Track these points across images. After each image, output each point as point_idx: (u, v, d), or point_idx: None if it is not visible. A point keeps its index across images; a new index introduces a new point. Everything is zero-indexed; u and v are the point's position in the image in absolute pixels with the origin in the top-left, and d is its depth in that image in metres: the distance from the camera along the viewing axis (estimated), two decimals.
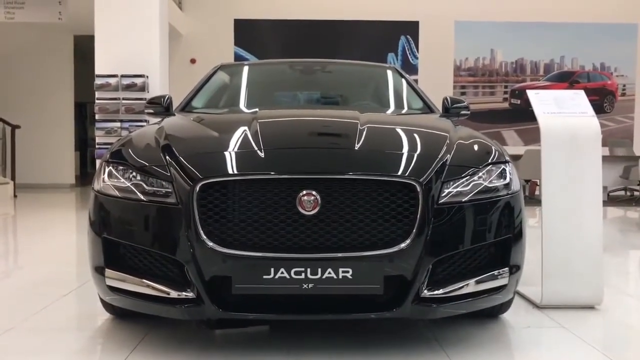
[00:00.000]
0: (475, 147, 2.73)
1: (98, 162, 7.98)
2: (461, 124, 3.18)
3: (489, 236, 2.48)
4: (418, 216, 2.29)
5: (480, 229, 2.46)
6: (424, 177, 2.34)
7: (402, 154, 2.48)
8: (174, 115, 3.51)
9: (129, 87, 7.94)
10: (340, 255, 2.26)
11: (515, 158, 9.42)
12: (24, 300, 3.42)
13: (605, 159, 11.51)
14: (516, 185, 2.65)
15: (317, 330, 2.77)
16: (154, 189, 2.41)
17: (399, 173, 2.34)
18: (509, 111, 12.85)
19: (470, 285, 2.43)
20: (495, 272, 2.50)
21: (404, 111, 3.81)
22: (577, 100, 3.36)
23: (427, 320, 2.86)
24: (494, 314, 2.98)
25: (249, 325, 2.78)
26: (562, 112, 3.30)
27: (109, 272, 2.49)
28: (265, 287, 2.26)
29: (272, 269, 2.25)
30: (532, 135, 12.42)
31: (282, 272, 2.25)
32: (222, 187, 2.29)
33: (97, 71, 7.99)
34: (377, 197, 2.29)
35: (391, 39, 12.68)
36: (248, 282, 2.27)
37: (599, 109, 12.37)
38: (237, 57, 12.50)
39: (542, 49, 12.83)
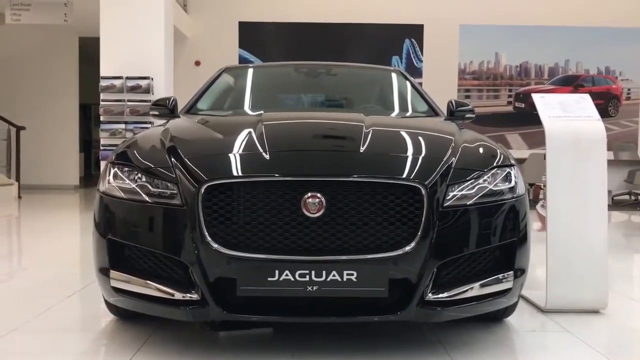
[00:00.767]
0: (481, 150, 2.72)
1: (103, 163, 7.99)
2: (465, 127, 3.18)
3: (494, 239, 2.48)
4: (423, 219, 2.29)
5: (485, 232, 2.45)
6: (429, 180, 2.34)
7: (407, 156, 2.48)
8: (179, 117, 3.51)
9: (134, 89, 7.94)
10: (344, 257, 2.26)
11: (520, 162, 9.41)
12: (28, 301, 3.43)
13: (609, 163, 11.50)
14: (521, 189, 2.65)
15: (321, 333, 2.77)
16: (159, 190, 2.41)
17: (404, 176, 2.34)
18: (513, 115, 12.83)
19: (475, 289, 2.42)
20: (500, 276, 2.50)
21: (408, 114, 3.81)
22: (583, 104, 3.36)
23: (432, 323, 2.85)
24: (498, 317, 2.97)
25: (253, 327, 2.78)
26: (567, 116, 3.30)
27: (113, 273, 2.49)
28: (269, 290, 2.26)
29: (277, 271, 2.25)
30: (536, 139, 12.40)
31: (286, 275, 2.25)
32: (227, 189, 2.30)
33: (102, 73, 7.99)
34: (382, 200, 2.29)
35: (396, 42, 12.68)
36: (252, 284, 2.27)
37: (603, 112, 12.34)
38: (242, 60, 12.52)
39: (547, 52, 12.82)
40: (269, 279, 2.25)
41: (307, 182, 2.28)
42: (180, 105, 3.86)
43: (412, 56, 12.73)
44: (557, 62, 12.91)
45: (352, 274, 2.26)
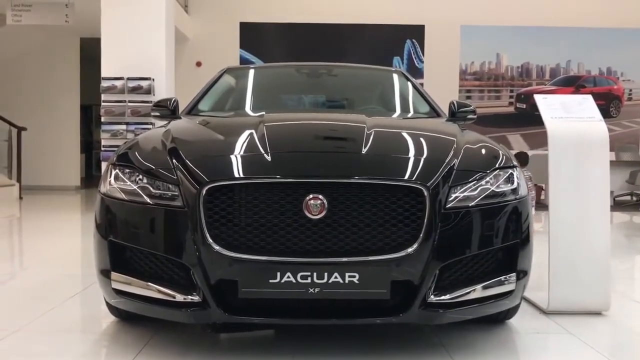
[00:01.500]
0: (483, 152, 2.71)
1: (104, 164, 7.99)
2: (467, 128, 3.17)
3: (496, 241, 2.47)
4: (425, 221, 2.28)
5: (487, 234, 2.44)
6: (431, 181, 2.33)
7: (409, 158, 2.47)
8: (181, 118, 3.51)
9: (135, 90, 7.95)
10: (346, 259, 2.25)
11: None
12: (29, 302, 3.42)
13: (611, 163, 11.45)
14: (523, 190, 2.64)
15: (322, 334, 2.76)
16: (161, 192, 2.40)
17: (406, 177, 2.33)
18: (514, 115, 12.82)
19: (477, 291, 2.42)
20: (502, 278, 2.49)
21: (410, 115, 3.80)
22: (585, 105, 3.35)
23: (434, 325, 2.84)
24: (500, 319, 2.96)
25: (254, 329, 2.77)
26: (569, 117, 3.29)
27: (114, 275, 2.48)
28: (271, 292, 2.25)
29: (279, 273, 2.24)
30: (538, 140, 12.38)
31: (288, 277, 2.24)
32: (229, 190, 2.29)
33: (104, 74, 8.00)
34: (384, 202, 2.28)
35: (397, 42, 12.67)
36: (254, 286, 2.26)
37: (605, 113, 12.29)
38: (243, 60, 12.52)
39: (548, 53, 12.80)
40: (271, 280, 2.24)
41: (308, 183, 2.27)
42: (182, 106, 3.86)
43: (413, 57, 12.72)
44: (558, 62, 12.89)
45: (354, 276, 2.25)
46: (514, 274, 2.52)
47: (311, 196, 2.25)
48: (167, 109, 3.76)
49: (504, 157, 2.69)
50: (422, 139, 2.75)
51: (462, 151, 2.59)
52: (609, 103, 12.75)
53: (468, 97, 12.71)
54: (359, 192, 2.28)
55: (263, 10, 12.59)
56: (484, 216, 2.43)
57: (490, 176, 2.52)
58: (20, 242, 6.31)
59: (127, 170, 2.55)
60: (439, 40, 12.66)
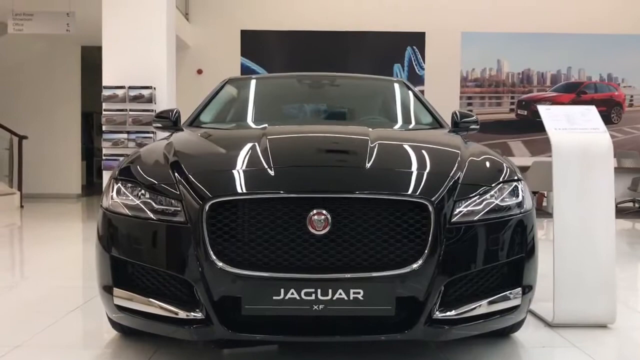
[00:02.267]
0: (487, 165, 2.70)
1: (105, 173, 7.96)
2: (469, 136, 3.15)
3: (502, 256, 2.44)
4: (430, 236, 2.26)
5: (492, 248, 2.42)
6: (436, 196, 2.31)
7: (413, 172, 2.45)
8: (183, 130, 3.49)
9: (136, 99, 7.94)
10: (351, 275, 2.23)
11: (523, 169, 9.38)
12: (30, 316, 3.40)
13: (614, 171, 11.33)
14: (528, 204, 2.62)
15: (326, 349, 2.73)
16: (163, 207, 2.38)
17: (410, 192, 2.31)
18: (515, 122, 12.82)
19: (483, 306, 2.39)
20: (508, 293, 2.46)
21: (413, 126, 3.78)
22: (589, 116, 3.33)
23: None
24: (505, 332, 2.94)
25: (258, 345, 2.75)
26: (573, 128, 3.27)
27: (117, 291, 2.46)
28: (275, 309, 2.23)
29: (282, 290, 2.22)
30: (539, 146, 12.38)
31: (292, 293, 2.21)
32: (232, 206, 2.27)
33: (105, 82, 8.00)
34: (388, 217, 2.26)
35: (397, 49, 12.69)
36: (258, 303, 2.23)
37: (606, 120, 12.29)
38: (244, 68, 12.53)
39: (549, 59, 12.82)
40: (275, 297, 2.22)
41: (312, 198, 2.25)
42: (183, 115, 3.84)
43: (414, 64, 12.73)
44: (559, 69, 12.91)
45: (359, 293, 2.22)
46: (520, 288, 2.49)
47: (315, 211, 2.22)
48: (169, 120, 3.74)
49: (509, 169, 2.67)
50: (426, 153, 2.73)
51: (466, 165, 2.57)
52: (610, 109, 12.75)
53: (469, 104, 12.72)
54: (363, 207, 2.26)
55: (264, 17, 12.61)
56: (489, 231, 2.40)
57: (495, 190, 2.50)
58: (21, 252, 6.29)
59: (130, 185, 2.53)
60: (439, 47, 12.67)
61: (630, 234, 8.40)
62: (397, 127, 3.72)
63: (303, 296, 2.21)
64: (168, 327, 2.36)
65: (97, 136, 14.30)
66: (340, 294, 2.22)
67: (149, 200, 2.43)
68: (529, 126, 12.54)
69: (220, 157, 2.70)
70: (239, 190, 2.31)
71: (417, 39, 12.68)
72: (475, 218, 2.38)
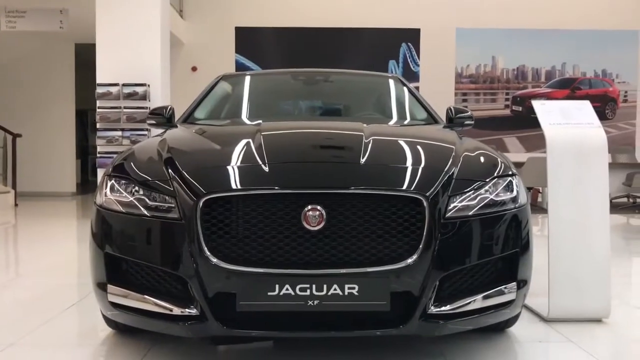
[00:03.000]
0: (482, 160, 2.69)
1: (100, 171, 7.93)
2: (464, 132, 3.15)
3: (496, 250, 2.44)
4: (425, 231, 2.25)
5: (487, 243, 2.42)
6: (430, 191, 2.31)
7: (408, 167, 2.44)
8: (177, 126, 3.48)
9: (131, 96, 7.92)
10: (345, 271, 2.22)
11: (518, 165, 9.40)
12: (25, 313, 3.38)
13: (609, 166, 11.34)
14: (523, 198, 2.62)
15: (322, 344, 2.73)
16: (157, 203, 2.37)
17: (405, 187, 2.30)
18: (510, 118, 12.83)
19: (478, 301, 2.39)
20: (503, 287, 2.46)
21: (408, 122, 3.78)
22: (584, 110, 3.34)
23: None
24: (500, 327, 2.94)
25: (253, 341, 2.74)
26: (568, 123, 3.27)
27: (111, 288, 2.45)
28: (269, 304, 2.22)
29: (277, 286, 2.21)
30: (534, 142, 12.41)
31: (287, 289, 2.21)
32: (226, 202, 2.26)
33: (99, 80, 7.97)
34: (383, 212, 2.25)
35: (392, 46, 12.68)
36: (252, 299, 2.22)
37: (600, 115, 12.32)
38: (238, 65, 12.51)
39: (544, 55, 12.83)
40: (269, 293, 2.21)
41: (307, 194, 2.24)
42: (177, 110, 3.83)
43: (408, 60, 12.73)
44: (554, 65, 12.92)
45: (354, 288, 2.22)
46: (515, 283, 2.49)
47: (309, 207, 2.22)
48: (163, 117, 3.75)
49: (503, 164, 2.67)
50: (420, 148, 2.73)
51: (460, 159, 2.56)
52: (604, 105, 12.78)
53: (464, 100, 12.73)
54: (357, 203, 2.25)
55: (258, 14, 12.58)
56: (484, 225, 2.40)
57: (490, 185, 2.50)
58: (15, 250, 6.27)
59: (123, 182, 2.52)
60: (434, 43, 12.67)
61: (624, 228, 8.44)
62: (391, 122, 3.71)
63: (298, 292, 2.21)
64: (162, 323, 2.35)
65: (92, 134, 14.26)
66: (335, 289, 2.21)
67: (143, 197, 2.41)
68: (524, 122, 12.56)
69: (214, 153, 2.69)
70: (234, 187, 2.30)
71: (411, 36, 12.68)
72: (470, 213, 2.38)
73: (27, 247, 6.40)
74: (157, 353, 2.66)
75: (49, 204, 11.10)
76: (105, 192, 2.56)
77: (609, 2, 12.75)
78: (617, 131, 12.84)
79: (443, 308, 2.32)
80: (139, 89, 7.91)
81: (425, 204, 2.27)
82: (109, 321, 2.83)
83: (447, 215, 2.32)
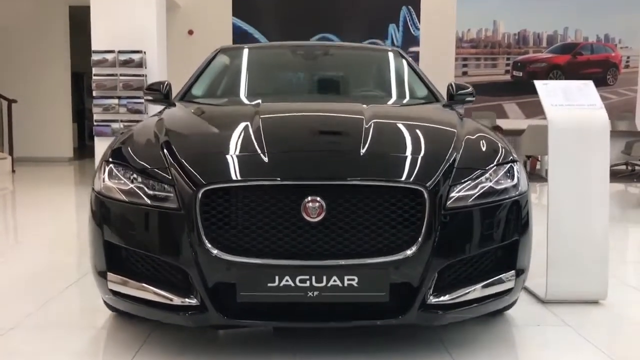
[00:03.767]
0: (483, 146, 2.66)
1: (97, 141, 7.86)
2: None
3: (496, 240, 2.44)
4: (425, 222, 2.24)
5: (487, 233, 2.42)
6: (431, 181, 2.29)
7: (408, 157, 2.41)
8: (174, 105, 3.44)
9: (127, 63, 7.81)
10: (345, 262, 2.22)
11: (517, 133, 9.35)
12: (22, 294, 3.39)
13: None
14: (524, 185, 2.60)
15: (322, 332, 2.75)
16: (156, 192, 2.35)
17: (405, 178, 2.28)
18: (510, 84, 12.71)
19: (477, 290, 2.40)
20: (502, 276, 2.47)
21: (408, 101, 3.73)
22: (586, 91, 3.29)
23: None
24: (499, 310, 2.96)
25: (254, 326, 2.75)
26: (570, 104, 3.23)
27: (111, 275, 2.45)
28: (270, 295, 2.23)
29: (277, 277, 2.21)
30: (534, 109, 12.32)
31: (286, 280, 2.21)
32: (226, 192, 2.24)
33: (94, 47, 7.85)
34: (383, 203, 2.24)
35: (392, 9, 12.46)
36: (252, 290, 2.23)
37: (601, 81, 12.24)
38: (235, 28, 12.30)
39: (545, 20, 12.63)
40: (269, 284, 2.22)
41: (307, 185, 2.23)
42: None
43: (409, 24, 12.53)
44: (555, 29, 12.73)
45: (353, 279, 2.22)
46: (514, 271, 2.50)
47: (309, 198, 2.20)
48: (160, 93, 3.71)
49: (504, 150, 2.64)
50: (421, 134, 2.70)
51: (461, 147, 2.54)
52: (606, 71, 12.63)
53: (464, 66, 12.59)
54: (357, 194, 2.24)
55: None
56: (484, 215, 2.39)
57: (490, 172, 2.48)
58: (14, 218, 6.26)
59: (121, 169, 2.50)
60: (435, 7, 12.45)
61: (622, 196, 8.45)
62: (391, 101, 3.67)
63: (298, 283, 2.22)
64: (162, 313, 2.36)
65: (88, 97, 14.10)
66: (334, 280, 2.22)
67: (142, 185, 2.39)
68: (524, 88, 12.44)
69: (213, 139, 2.65)
70: (233, 177, 2.28)
71: None
72: (470, 202, 2.37)
73: (25, 216, 6.39)
74: (158, 337, 2.68)
75: (46, 170, 11.07)
76: (104, 178, 2.54)
77: None
78: (618, 97, 12.73)
79: (442, 298, 2.33)
80: (135, 56, 7.80)
81: (425, 195, 2.25)
82: (109, 305, 2.84)
83: (447, 206, 2.31)
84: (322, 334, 2.72)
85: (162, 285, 2.36)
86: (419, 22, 12.51)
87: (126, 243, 2.41)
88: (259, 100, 3.19)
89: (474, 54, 12.76)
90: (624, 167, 10.97)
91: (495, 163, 2.53)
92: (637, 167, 10.71)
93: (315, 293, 2.22)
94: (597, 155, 3.18)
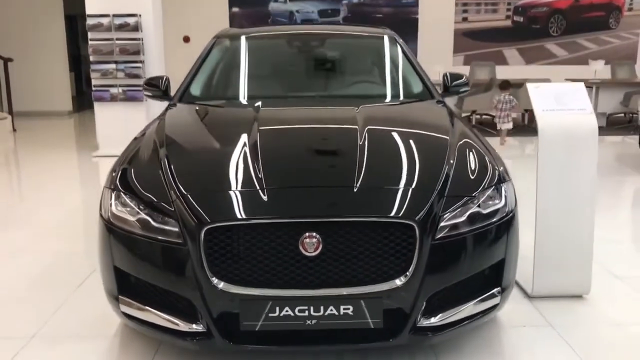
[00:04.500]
0: (472, 164, 2.77)
1: (97, 106, 7.86)
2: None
3: (485, 263, 2.60)
4: (416, 253, 2.38)
5: (477, 257, 2.56)
6: (420, 214, 2.41)
7: (399, 189, 2.52)
8: (175, 105, 3.61)
9: (122, 27, 7.73)
10: (340, 292, 2.38)
11: (518, 85, 9.33)
12: (40, 287, 3.57)
13: (606, 84, 11.30)
14: (511, 204, 2.72)
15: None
16: (161, 225, 2.48)
17: (396, 213, 2.40)
18: (511, 29, 12.50)
19: (465, 310, 2.57)
20: (489, 294, 2.64)
21: (401, 99, 3.86)
22: (577, 95, 3.36)
23: None
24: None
25: None
26: (560, 109, 3.31)
27: (122, 299, 2.62)
28: (271, 324, 2.40)
29: (277, 308, 2.38)
30: (533, 54, 12.21)
31: (286, 310, 2.38)
32: (228, 230, 2.37)
33: (89, 10, 7.74)
34: (376, 237, 2.38)
35: None
36: (255, 319, 2.39)
37: (604, 25, 12.05)
38: None
39: None
40: (270, 314, 2.38)
41: (304, 223, 2.36)
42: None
43: None
44: None
45: (349, 308, 2.39)
46: (499, 288, 2.67)
47: (307, 234, 2.34)
48: (159, 89, 3.89)
49: (491, 169, 2.75)
50: (413, 151, 2.84)
51: (452, 168, 2.66)
52: (608, 14, 12.39)
53: (464, 12, 12.35)
54: (352, 229, 2.37)
55: None
56: (473, 241, 2.53)
57: (480, 198, 2.60)
58: (19, 180, 6.38)
59: (127, 199, 2.62)
60: None
61: (618, 146, 8.55)
62: (384, 100, 3.81)
63: (297, 313, 2.38)
64: (171, 337, 2.54)
65: (84, 43, 13.87)
66: (331, 309, 2.39)
67: (147, 218, 2.51)
68: (525, 33, 12.25)
69: (214, 169, 2.71)
70: (236, 216, 2.40)
71: None
72: (460, 231, 2.50)
73: (30, 177, 6.48)
74: (169, 347, 2.86)
75: (47, 126, 11.12)
76: (110, 207, 2.66)
77: None
78: (620, 41, 12.57)
79: (432, 320, 2.49)
80: (130, 20, 7.71)
81: (416, 228, 2.38)
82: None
83: (437, 236, 2.44)
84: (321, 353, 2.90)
85: (170, 312, 2.52)
86: None
87: (134, 272, 2.57)
88: (259, 103, 3.39)
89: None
90: (622, 115, 10.99)
91: (482, 187, 2.64)
92: (634, 115, 10.73)
93: (314, 321, 2.39)
94: (586, 159, 3.28)
